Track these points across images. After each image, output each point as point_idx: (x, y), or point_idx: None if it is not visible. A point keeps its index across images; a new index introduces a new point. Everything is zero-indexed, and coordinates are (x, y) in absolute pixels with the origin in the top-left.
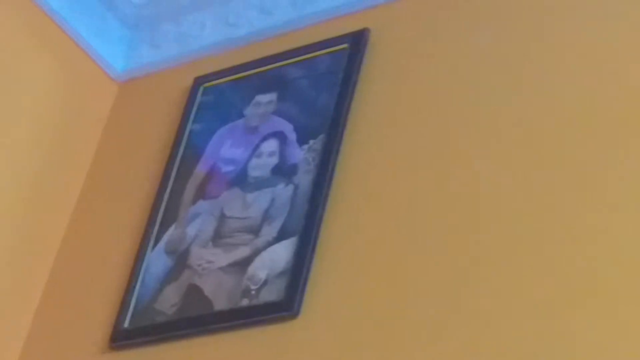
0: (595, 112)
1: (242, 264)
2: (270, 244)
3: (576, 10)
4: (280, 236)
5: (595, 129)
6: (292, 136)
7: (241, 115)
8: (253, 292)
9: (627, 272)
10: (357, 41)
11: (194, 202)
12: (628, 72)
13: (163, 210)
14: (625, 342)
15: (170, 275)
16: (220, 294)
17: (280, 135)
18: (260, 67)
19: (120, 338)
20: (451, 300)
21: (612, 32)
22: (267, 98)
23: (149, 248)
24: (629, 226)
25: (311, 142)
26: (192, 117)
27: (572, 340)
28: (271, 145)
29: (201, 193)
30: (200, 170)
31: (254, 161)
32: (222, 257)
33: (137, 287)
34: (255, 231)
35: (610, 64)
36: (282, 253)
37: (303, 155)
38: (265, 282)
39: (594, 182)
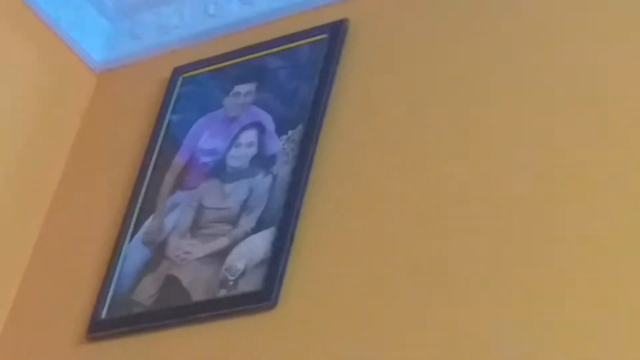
0: (581, 107)
1: (220, 255)
2: (248, 234)
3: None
4: (259, 227)
5: (580, 122)
6: (271, 127)
7: (220, 106)
8: (231, 283)
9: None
10: (337, 31)
11: (172, 192)
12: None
13: (141, 201)
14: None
15: (148, 266)
16: (198, 284)
17: (259, 126)
18: (239, 57)
19: (97, 329)
20: (430, 293)
21: (596, 35)
22: (246, 88)
23: (127, 239)
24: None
25: (290, 132)
26: (171, 107)
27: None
28: (250, 135)
29: (179, 184)
30: (179, 160)
31: (233, 151)
32: (200, 248)
33: (115, 278)
34: (234, 222)
35: (597, 67)
36: (260, 243)
37: (282, 146)
38: (243, 273)
39: (578, 170)
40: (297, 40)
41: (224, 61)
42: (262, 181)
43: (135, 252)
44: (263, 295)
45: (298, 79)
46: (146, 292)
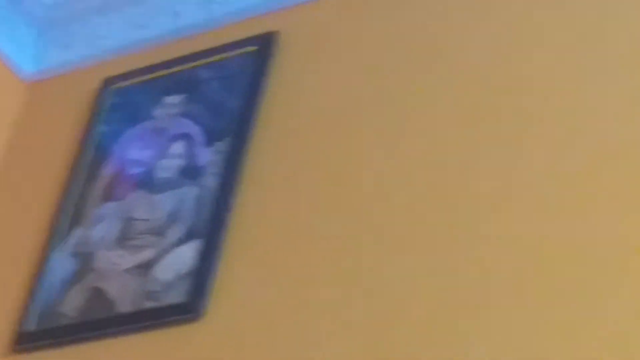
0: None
1: (147, 266)
2: (175, 245)
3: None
4: (186, 238)
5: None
6: (200, 138)
7: (150, 117)
8: (157, 294)
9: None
10: (266, 43)
11: (100, 203)
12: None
13: (69, 212)
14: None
15: (76, 278)
16: (124, 296)
17: (188, 137)
18: (169, 68)
19: (24, 341)
20: (358, 304)
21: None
22: (175, 99)
23: (55, 250)
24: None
25: (218, 144)
26: (100, 118)
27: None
28: (179, 146)
29: (108, 195)
30: (108, 171)
31: (162, 163)
32: (127, 259)
33: (42, 289)
34: (161, 233)
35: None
36: (187, 255)
37: (210, 157)
38: (169, 284)
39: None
40: (227, 52)
41: (153, 72)
42: (190, 192)
43: (62, 264)
44: (189, 307)
45: (227, 90)
46: (73, 304)
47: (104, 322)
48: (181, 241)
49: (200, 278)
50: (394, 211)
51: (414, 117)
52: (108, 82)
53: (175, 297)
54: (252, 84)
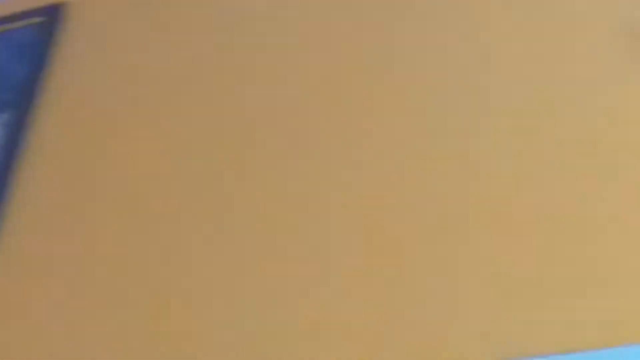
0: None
1: None
2: None
3: None
4: None
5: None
6: None
7: None
8: None
9: None
10: (53, 15)
11: None
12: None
13: None
14: None
15: None
16: None
17: None
18: None
19: None
20: (137, 258)
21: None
22: None
23: None
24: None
25: (2, 115)
26: None
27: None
28: None
29: None
30: None
31: None
32: None
33: None
34: None
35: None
36: None
37: None
38: None
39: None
40: (13, 22)
41: None
42: None
43: None
44: None
45: (13, 62)
46: None
47: None
48: None
49: None
50: (178, 178)
51: (209, 89)
52: None
53: None
54: (38, 55)
